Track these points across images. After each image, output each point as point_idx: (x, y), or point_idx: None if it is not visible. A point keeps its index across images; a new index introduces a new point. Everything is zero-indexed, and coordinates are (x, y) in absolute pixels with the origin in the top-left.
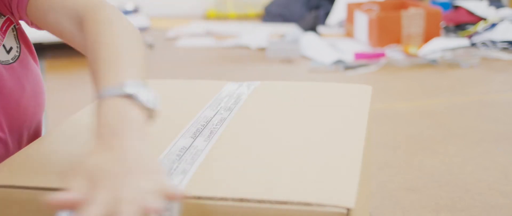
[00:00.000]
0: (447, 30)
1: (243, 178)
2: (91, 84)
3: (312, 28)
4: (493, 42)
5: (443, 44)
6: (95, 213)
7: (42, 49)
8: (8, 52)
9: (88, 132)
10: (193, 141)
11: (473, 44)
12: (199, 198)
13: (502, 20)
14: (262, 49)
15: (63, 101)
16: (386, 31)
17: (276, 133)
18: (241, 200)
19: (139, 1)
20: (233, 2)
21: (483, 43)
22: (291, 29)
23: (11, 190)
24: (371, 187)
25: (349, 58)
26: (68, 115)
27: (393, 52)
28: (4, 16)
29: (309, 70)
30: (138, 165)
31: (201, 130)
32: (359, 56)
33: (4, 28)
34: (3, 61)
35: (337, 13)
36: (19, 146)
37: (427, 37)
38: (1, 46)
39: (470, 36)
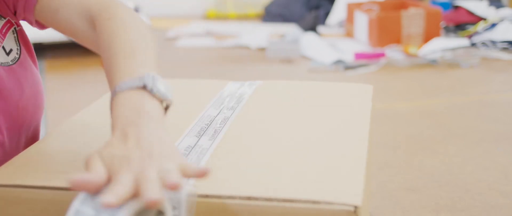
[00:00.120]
0: (447, 30)
1: (250, 177)
2: (107, 80)
3: (312, 28)
4: (493, 42)
5: (443, 44)
6: (122, 191)
7: (42, 49)
8: (8, 54)
9: (91, 131)
10: (198, 140)
11: (473, 44)
12: (206, 196)
13: (502, 20)
14: (262, 49)
15: (63, 101)
16: (386, 31)
17: (280, 132)
18: (249, 198)
19: (139, 1)
20: (233, 2)
21: (483, 43)
22: (291, 29)
23: (16, 189)
24: (371, 187)
25: (349, 58)
26: (68, 115)
27: (393, 52)
28: (4, 18)
29: (309, 70)
30: (157, 150)
31: (205, 129)
32: (359, 56)
33: (4, 30)
34: (2, 63)
35: (337, 13)
36: (17, 148)
37: (427, 37)
38: (1, 48)
39: (470, 36)
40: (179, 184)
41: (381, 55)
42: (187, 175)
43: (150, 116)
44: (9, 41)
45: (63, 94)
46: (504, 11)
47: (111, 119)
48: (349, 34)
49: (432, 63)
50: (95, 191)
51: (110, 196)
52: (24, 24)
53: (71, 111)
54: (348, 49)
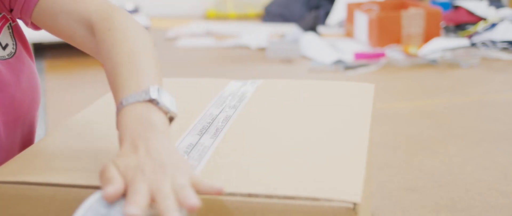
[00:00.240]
0: (447, 30)
1: (251, 174)
2: (111, 91)
3: (312, 28)
4: (493, 42)
5: (443, 44)
6: (142, 201)
7: (42, 49)
8: (4, 48)
9: (92, 131)
10: (200, 138)
11: (473, 44)
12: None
13: (502, 20)
14: (262, 49)
15: (63, 101)
16: (386, 31)
17: (282, 131)
18: (250, 195)
19: (139, 1)
20: (233, 2)
21: (483, 43)
22: (291, 29)
23: (19, 186)
24: (372, 186)
25: (349, 58)
26: (68, 115)
27: (393, 52)
28: (0, 13)
29: (309, 70)
30: (167, 161)
31: (207, 127)
32: (359, 56)
33: None
34: None
35: (337, 13)
36: (13, 141)
37: (427, 37)
38: None
39: (470, 36)
40: (197, 204)
41: (381, 55)
42: (200, 191)
43: (157, 129)
44: (5, 36)
45: (63, 94)
46: (504, 11)
47: (119, 132)
48: (349, 34)
49: (432, 63)
50: (116, 199)
51: (133, 207)
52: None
53: (71, 111)
54: (348, 49)
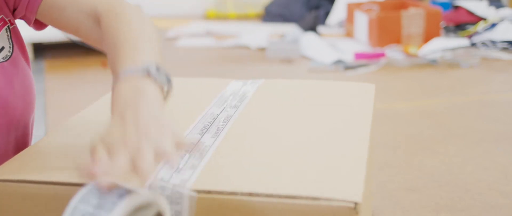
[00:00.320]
0: (447, 30)
1: (251, 173)
2: (111, 73)
3: (312, 28)
4: (493, 42)
5: (443, 44)
6: (117, 172)
7: (42, 49)
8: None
9: (92, 130)
10: (201, 137)
11: (473, 44)
12: (209, 192)
13: (502, 20)
14: (262, 49)
15: (63, 101)
16: (386, 31)
17: (282, 130)
18: (250, 194)
19: (139, 1)
20: (233, 2)
21: (483, 43)
22: (291, 29)
23: (20, 184)
24: (372, 186)
25: (349, 58)
26: (68, 115)
27: (393, 52)
28: None
29: (309, 70)
30: (153, 130)
31: (208, 126)
32: (359, 56)
33: None
34: None
35: (337, 13)
36: (6, 145)
37: (427, 37)
38: None
39: (470, 36)
40: (171, 153)
41: (381, 55)
42: (180, 146)
43: (148, 96)
44: (2, 39)
45: (63, 94)
46: (504, 11)
47: (111, 103)
48: (349, 34)
49: (432, 63)
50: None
51: (103, 179)
52: (19, 23)
53: (71, 111)
54: (348, 49)
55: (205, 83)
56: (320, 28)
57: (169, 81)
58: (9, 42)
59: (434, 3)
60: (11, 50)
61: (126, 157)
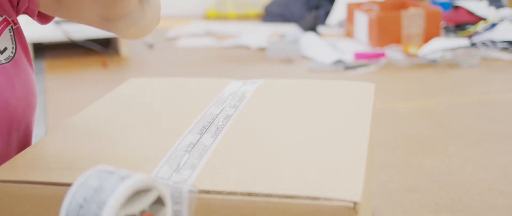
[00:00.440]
0: (447, 30)
1: (251, 173)
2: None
3: (312, 28)
4: (493, 42)
5: (443, 44)
6: None
7: (42, 49)
8: (2, 52)
9: (92, 130)
10: (200, 137)
11: (473, 44)
12: (208, 192)
13: (502, 20)
14: (262, 49)
15: (63, 101)
16: (386, 31)
17: (282, 130)
18: (250, 194)
19: None
20: (233, 2)
21: (483, 43)
22: (291, 29)
23: (21, 185)
24: (372, 186)
25: (349, 58)
26: (68, 115)
27: (393, 52)
28: (1, 16)
29: (309, 70)
30: None
31: (207, 126)
32: (359, 56)
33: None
34: None
35: (337, 13)
36: (7, 147)
37: (427, 37)
38: None
39: (470, 36)
40: None
41: (381, 55)
42: None
43: None
44: (5, 40)
45: (63, 94)
46: (504, 11)
47: None
48: (349, 34)
49: (432, 63)
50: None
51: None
52: (22, 23)
53: (71, 111)
54: (348, 49)
55: (204, 83)
56: (320, 28)
57: None
58: (12, 43)
59: (434, 3)
60: (14, 51)
61: None
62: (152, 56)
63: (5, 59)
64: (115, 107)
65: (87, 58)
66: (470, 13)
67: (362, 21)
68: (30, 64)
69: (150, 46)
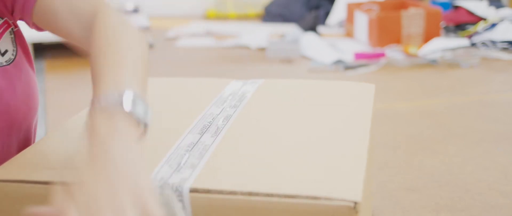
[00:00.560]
0: (447, 30)
1: (251, 173)
2: (92, 86)
3: (312, 28)
4: (493, 42)
5: (443, 44)
6: None
7: (42, 49)
8: (3, 54)
9: None
10: (200, 137)
11: (473, 44)
12: (208, 191)
13: (502, 20)
14: (262, 49)
15: (63, 101)
16: (386, 31)
17: (282, 130)
18: (250, 194)
19: (139, 1)
20: (233, 2)
21: (483, 43)
22: (291, 29)
23: (21, 184)
24: (372, 186)
25: (349, 58)
26: (68, 115)
27: (393, 52)
28: (2, 18)
29: (309, 70)
30: (120, 180)
31: (207, 126)
32: (359, 56)
33: (0, 30)
34: None
35: (337, 13)
36: (8, 149)
37: (427, 37)
38: None
39: (470, 36)
40: None
41: (381, 55)
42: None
43: (122, 144)
44: (5, 42)
45: (63, 94)
46: (504, 11)
47: (87, 132)
48: (349, 34)
49: (432, 63)
50: None
51: None
52: (22, 25)
53: (71, 111)
54: (348, 49)
55: (204, 83)
56: (320, 28)
57: (146, 114)
58: (13, 45)
59: (434, 3)
60: (14, 53)
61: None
62: (152, 56)
63: (6, 61)
64: None
65: (87, 58)
66: (470, 13)
67: (362, 21)
68: (32, 67)
69: (150, 46)
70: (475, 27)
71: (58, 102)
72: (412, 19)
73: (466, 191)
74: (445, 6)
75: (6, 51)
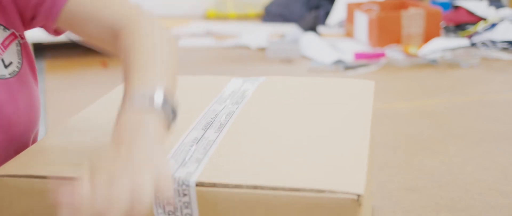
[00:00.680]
0: (447, 30)
1: (255, 167)
2: (123, 83)
3: (312, 28)
4: (493, 42)
5: (443, 44)
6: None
7: (42, 49)
8: (7, 66)
9: (94, 130)
10: (204, 133)
11: (473, 44)
12: (214, 185)
13: (502, 20)
14: (262, 49)
15: (63, 101)
16: (386, 31)
17: (284, 126)
18: (255, 187)
19: (139, 1)
20: (233, 2)
21: (483, 43)
22: (291, 29)
23: (25, 179)
24: (372, 186)
25: (349, 58)
26: (68, 115)
27: (393, 52)
28: (9, 30)
29: (309, 70)
30: (140, 162)
31: (211, 122)
32: (359, 56)
33: (6, 43)
34: None
35: (337, 13)
36: (5, 160)
37: (427, 37)
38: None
39: (470, 36)
40: (142, 210)
41: (381, 55)
42: (158, 189)
43: (147, 135)
44: (11, 54)
45: (63, 94)
46: (504, 11)
47: (113, 128)
48: (349, 34)
49: (432, 63)
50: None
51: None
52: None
53: (71, 111)
54: (348, 49)
55: (206, 80)
56: (320, 28)
57: (174, 112)
58: (18, 57)
59: (434, 3)
60: (19, 66)
61: (100, 194)
62: None
63: (9, 74)
64: (115, 107)
65: (87, 58)
66: (470, 13)
67: (362, 21)
68: (35, 80)
69: None
70: (475, 27)
71: (58, 102)
72: (412, 19)
73: (466, 191)
74: (445, 6)
75: (10, 63)
